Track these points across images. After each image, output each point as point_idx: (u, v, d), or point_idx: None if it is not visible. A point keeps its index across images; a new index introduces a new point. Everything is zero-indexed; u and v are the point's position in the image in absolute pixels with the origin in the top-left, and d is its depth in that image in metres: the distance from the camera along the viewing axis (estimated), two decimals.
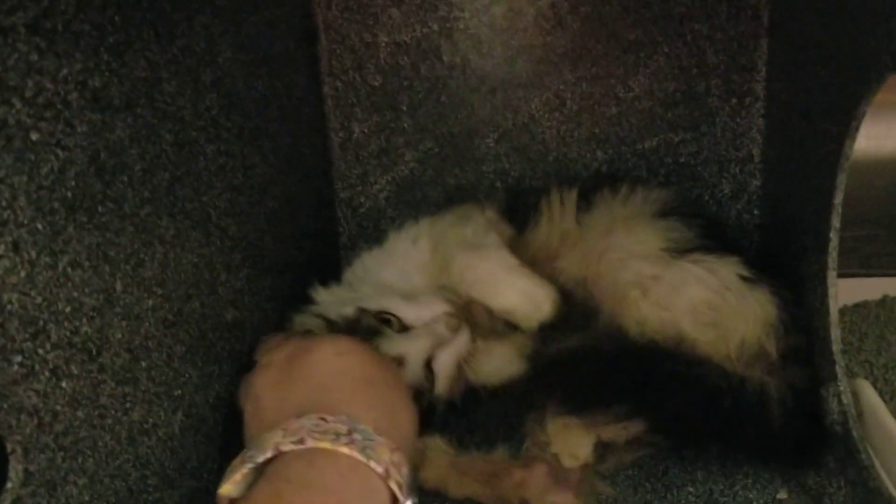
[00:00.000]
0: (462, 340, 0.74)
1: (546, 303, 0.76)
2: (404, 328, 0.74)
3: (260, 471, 0.49)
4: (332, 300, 0.79)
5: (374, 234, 1.04)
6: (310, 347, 0.60)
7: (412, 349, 0.72)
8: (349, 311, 0.75)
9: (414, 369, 0.71)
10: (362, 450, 0.49)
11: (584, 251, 0.81)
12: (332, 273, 0.86)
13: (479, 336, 0.79)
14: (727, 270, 0.74)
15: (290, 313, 0.79)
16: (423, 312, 0.74)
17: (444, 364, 0.73)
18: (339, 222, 1.05)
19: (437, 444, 0.71)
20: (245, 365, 0.67)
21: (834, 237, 0.67)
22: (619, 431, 0.68)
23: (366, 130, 1.00)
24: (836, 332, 0.66)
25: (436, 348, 0.72)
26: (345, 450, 0.49)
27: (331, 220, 1.04)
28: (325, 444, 0.49)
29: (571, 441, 0.68)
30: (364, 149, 1.01)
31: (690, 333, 0.71)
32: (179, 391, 0.59)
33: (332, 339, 0.63)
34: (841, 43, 0.68)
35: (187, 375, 0.60)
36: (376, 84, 0.98)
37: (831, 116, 0.68)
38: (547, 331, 0.76)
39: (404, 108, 0.99)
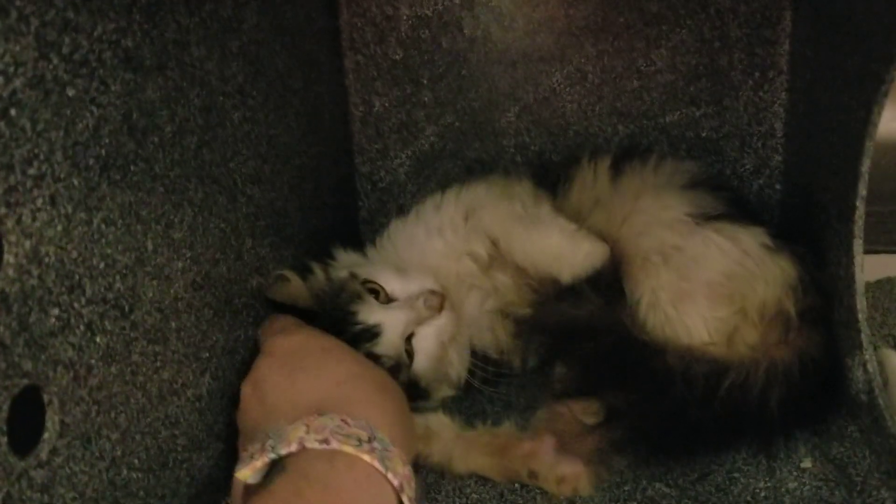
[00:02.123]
0: (444, 321, 0.74)
1: (602, 258, 0.78)
2: (389, 300, 0.74)
3: (276, 461, 0.50)
4: (347, 262, 0.80)
5: (393, 209, 1.04)
6: (328, 345, 0.61)
7: (389, 320, 0.71)
8: (343, 274, 0.76)
9: (391, 340, 0.71)
10: (381, 459, 0.49)
11: (610, 213, 0.82)
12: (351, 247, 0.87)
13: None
14: (750, 239, 0.75)
15: (308, 261, 0.79)
16: (410, 287, 0.75)
17: (423, 341, 0.73)
18: (358, 196, 1.05)
19: (443, 420, 0.71)
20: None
21: (860, 206, 0.67)
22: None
23: (386, 104, 1.01)
24: (861, 302, 0.66)
25: (416, 324, 0.73)
26: (366, 457, 0.49)
27: (351, 194, 1.04)
28: (349, 449, 0.49)
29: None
30: (384, 123, 1.01)
31: (705, 309, 0.72)
32: (207, 354, 0.60)
33: (351, 349, 0.64)
34: (868, 9, 0.68)
35: (214, 339, 0.61)
36: (397, 58, 0.98)
37: (859, 84, 0.68)
38: (564, 292, 0.77)
39: (425, 82, 0.99)
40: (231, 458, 0.62)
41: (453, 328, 0.75)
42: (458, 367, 0.79)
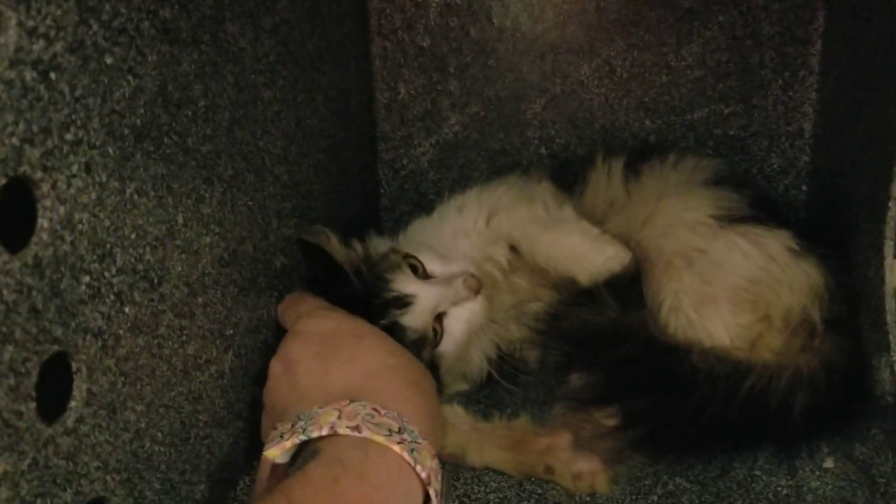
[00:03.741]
0: (477, 307, 0.74)
1: (624, 262, 0.77)
2: (427, 276, 0.74)
3: (305, 443, 0.50)
4: (378, 244, 0.80)
5: (414, 197, 1.04)
6: (362, 333, 0.61)
7: (424, 293, 0.71)
8: (383, 248, 0.77)
9: (422, 313, 0.71)
10: (410, 451, 0.49)
11: (630, 215, 0.81)
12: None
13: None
14: (776, 243, 0.74)
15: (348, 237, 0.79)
16: (450, 268, 0.75)
17: (455, 323, 0.74)
18: (380, 183, 1.05)
19: (458, 412, 0.71)
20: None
21: (892, 206, 0.66)
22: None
23: (412, 92, 1.00)
24: (890, 304, 0.66)
25: (449, 303, 0.73)
26: (396, 448, 0.49)
27: (373, 180, 1.04)
28: (380, 438, 0.49)
29: None
30: (409, 110, 1.01)
31: (728, 315, 0.71)
32: (231, 331, 0.60)
33: (384, 335, 0.63)
34: None
35: (239, 316, 0.61)
36: (425, 45, 0.98)
37: (891, 85, 0.67)
38: (582, 296, 0.76)
39: (452, 71, 0.99)
40: (251, 436, 0.62)
41: (484, 317, 0.75)
42: (477, 361, 0.79)
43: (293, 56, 0.71)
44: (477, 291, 0.73)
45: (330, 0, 0.83)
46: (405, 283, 0.72)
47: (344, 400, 0.52)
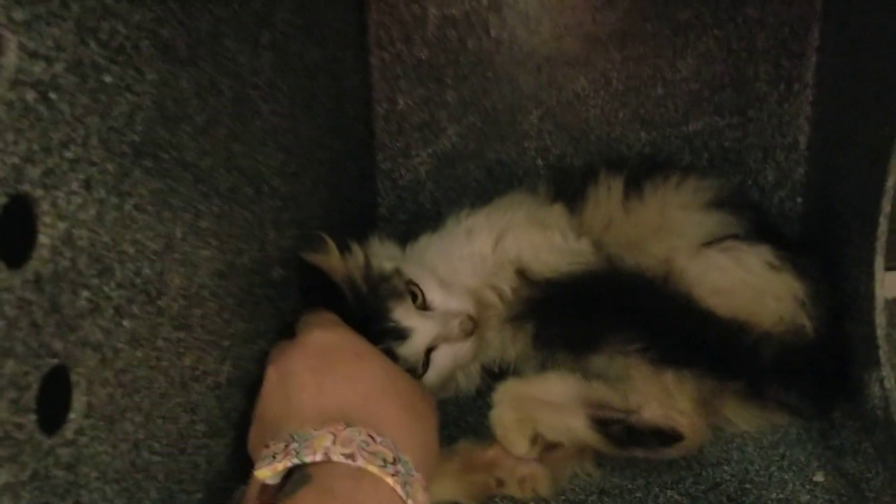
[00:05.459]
0: (468, 347, 0.75)
1: None
2: (425, 307, 0.75)
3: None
4: (386, 254, 0.81)
5: (412, 207, 1.05)
6: (362, 352, 0.60)
7: (421, 327, 0.72)
8: (389, 266, 0.77)
9: (416, 347, 0.72)
10: (403, 484, 0.49)
11: (628, 237, 0.82)
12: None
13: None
14: (754, 258, 0.75)
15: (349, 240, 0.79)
16: (450, 303, 0.76)
17: (442, 359, 0.75)
18: (378, 193, 1.06)
19: None
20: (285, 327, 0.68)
21: (883, 222, 0.66)
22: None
23: (410, 102, 1.01)
24: (881, 318, 0.66)
25: (441, 340, 0.74)
26: (389, 480, 0.48)
27: (370, 190, 1.05)
28: (374, 469, 0.48)
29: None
30: (407, 121, 1.02)
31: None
32: (228, 342, 0.60)
33: (384, 357, 0.62)
34: None
35: (236, 327, 0.62)
36: (423, 57, 0.99)
37: (886, 101, 0.68)
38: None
39: (449, 82, 1.00)
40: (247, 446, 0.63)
41: (472, 356, 0.76)
42: (462, 383, 0.81)
43: (291, 69, 0.72)
44: (470, 334, 0.74)
45: (328, 13, 0.84)
46: (405, 315, 0.73)
47: (339, 423, 0.51)
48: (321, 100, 0.82)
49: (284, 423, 0.54)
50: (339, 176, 0.88)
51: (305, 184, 0.77)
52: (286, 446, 0.50)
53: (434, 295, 0.76)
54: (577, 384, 0.68)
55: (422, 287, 0.75)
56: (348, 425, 0.51)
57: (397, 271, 0.76)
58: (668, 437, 0.66)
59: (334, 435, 0.50)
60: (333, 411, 0.53)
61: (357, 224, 0.97)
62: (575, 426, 0.66)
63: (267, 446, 0.52)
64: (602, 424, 0.65)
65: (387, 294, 0.74)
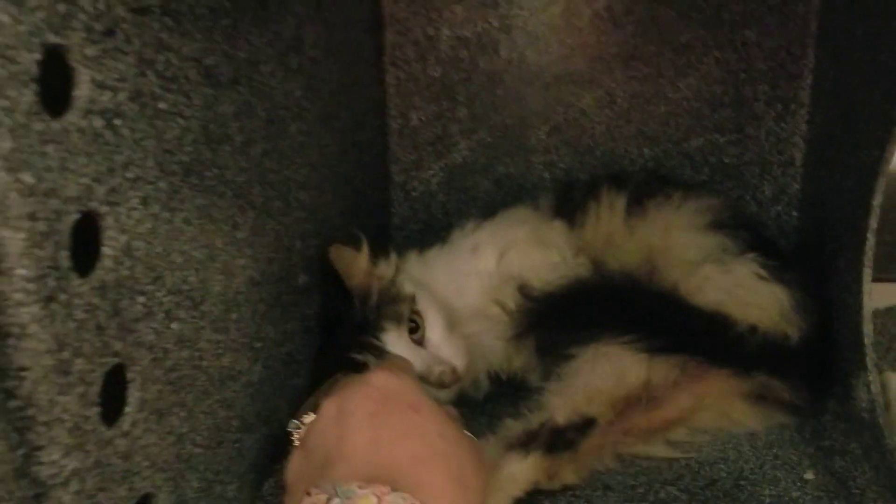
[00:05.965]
0: (442, 396, 0.75)
1: None
2: (419, 342, 0.77)
3: None
4: (413, 269, 0.85)
5: (424, 217, 1.10)
6: (419, 406, 0.56)
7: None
8: (408, 290, 0.80)
9: None
10: None
11: (629, 255, 0.85)
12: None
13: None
14: (742, 269, 0.79)
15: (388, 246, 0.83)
16: (442, 350, 0.77)
17: None
18: (391, 204, 1.10)
19: None
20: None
21: (871, 237, 0.71)
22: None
23: (423, 118, 1.06)
24: (868, 327, 0.70)
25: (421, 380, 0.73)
26: None
27: (384, 202, 1.09)
28: None
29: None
30: (420, 136, 1.07)
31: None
32: (260, 344, 0.65)
33: (443, 414, 0.57)
34: (886, 51, 0.72)
35: (266, 331, 0.66)
36: (436, 75, 1.04)
37: (874, 122, 0.72)
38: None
39: (461, 99, 1.04)
40: (275, 441, 0.67)
41: (446, 401, 0.74)
42: (471, 395, 0.83)
43: (316, 91, 0.77)
44: (447, 386, 0.75)
45: (349, 37, 0.88)
46: (394, 341, 0.75)
47: (385, 486, 0.49)
48: (341, 117, 0.86)
49: (332, 466, 0.52)
50: (356, 188, 0.93)
51: (327, 196, 0.82)
52: (328, 500, 0.49)
53: (434, 335, 0.77)
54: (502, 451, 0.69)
55: (426, 323, 0.77)
56: (393, 489, 0.48)
57: (412, 298, 0.78)
58: (584, 425, 0.70)
59: (378, 498, 0.47)
60: (381, 468, 0.51)
61: (372, 233, 1.01)
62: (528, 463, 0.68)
63: (309, 493, 0.49)
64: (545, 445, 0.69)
65: (389, 314, 0.76)
